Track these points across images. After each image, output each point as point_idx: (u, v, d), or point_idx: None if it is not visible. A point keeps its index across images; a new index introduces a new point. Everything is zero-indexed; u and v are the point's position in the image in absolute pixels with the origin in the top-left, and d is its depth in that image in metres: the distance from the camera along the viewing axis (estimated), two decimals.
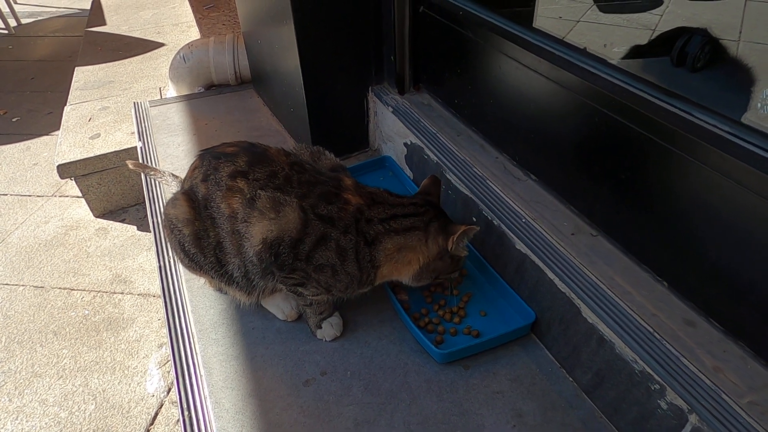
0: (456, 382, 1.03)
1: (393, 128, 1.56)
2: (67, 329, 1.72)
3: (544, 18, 1.76)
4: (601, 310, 0.92)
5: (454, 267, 1.08)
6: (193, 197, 1.04)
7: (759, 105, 1.39)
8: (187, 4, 3.44)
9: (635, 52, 1.69)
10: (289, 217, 0.96)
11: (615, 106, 0.96)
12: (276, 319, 1.17)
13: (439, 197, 1.13)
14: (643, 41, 1.79)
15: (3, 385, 1.55)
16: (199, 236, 1.03)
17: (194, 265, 1.09)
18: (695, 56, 1.47)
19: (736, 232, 0.81)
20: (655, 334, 0.87)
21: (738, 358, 0.83)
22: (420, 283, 1.08)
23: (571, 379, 1.03)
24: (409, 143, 1.49)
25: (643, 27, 1.94)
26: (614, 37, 1.93)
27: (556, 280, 1.00)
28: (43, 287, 1.89)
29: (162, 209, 1.49)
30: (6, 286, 1.90)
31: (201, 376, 1.06)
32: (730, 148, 0.80)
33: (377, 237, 1.01)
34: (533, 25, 1.63)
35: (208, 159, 1.05)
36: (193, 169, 1.08)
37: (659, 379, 0.82)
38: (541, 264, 1.04)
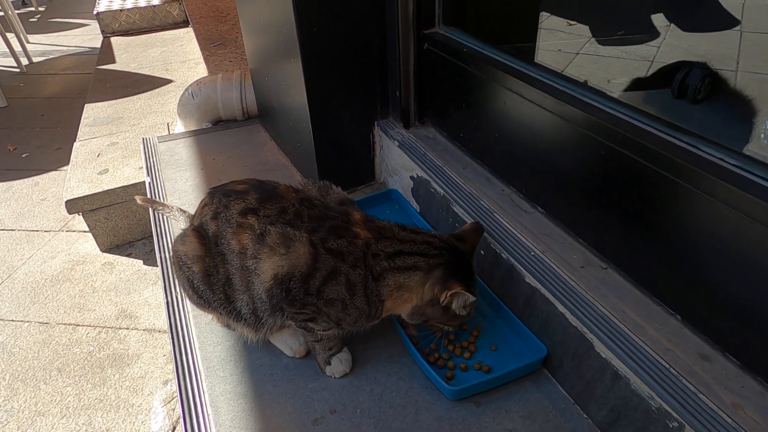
0: (467, 419, 1.01)
1: (399, 162, 1.58)
2: (72, 366, 1.71)
3: (544, 51, 1.80)
4: (614, 344, 0.91)
5: (448, 320, 1.03)
6: (203, 234, 1.05)
7: (762, 136, 1.40)
8: (195, 41, 3.53)
9: (636, 84, 1.72)
10: (299, 252, 0.97)
11: (620, 139, 0.97)
12: (284, 356, 1.15)
13: (474, 247, 1.08)
14: (643, 73, 1.83)
15: (6, 425, 1.52)
16: (208, 273, 1.04)
17: (202, 301, 1.08)
18: (696, 88, 1.49)
19: (748, 264, 0.81)
20: (671, 370, 0.86)
21: (757, 394, 0.81)
22: (413, 321, 1.06)
23: (585, 415, 1.01)
24: (415, 176, 1.50)
25: (641, 59, 1.98)
26: (613, 69, 1.97)
27: (567, 314, 1.00)
28: (48, 323, 1.88)
29: (170, 244, 1.50)
30: (11, 323, 1.89)
31: (209, 415, 1.05)
32: (736, 181, 0.80)
33: (382, 273, 0.99)
34: (535, 60, 1.67)
35: (218, 197, 1.06)
36: (203, 206, 1.09)
37: (677, 417, 0.80)
38: (551, 297, 1.03)
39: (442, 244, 1.02)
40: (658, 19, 1.99)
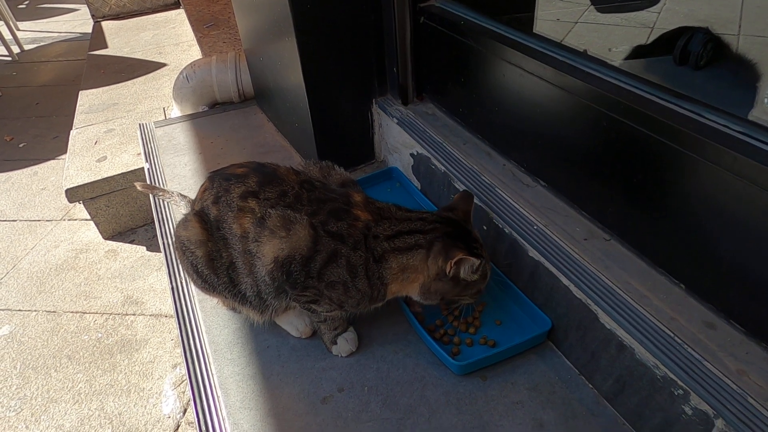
0: (474, 393, 1.02)
1: (398, 139, 1.56)
2: (81, 353, 1.72)
3: (543, 21, 1.76)
4: (618, 315, 0.91)
5: (461, 291, 1.01)
6: (204, 218, 1.04)
7: (766, 100, 1.38)
8: (187, 23, 3.48)
9: (637, 52, 1.69)
10: (299, 234, 0.96)
11: (622, 109, 0.96)
12: (290, 337, 1.16)
13: (468, 213, 1.06)
14: (643, 40, 1.79)
15: (20, 412, 1.55)
16: (211, 257, 1.04)
17: (207, 285, 1.09)
18: (698, 54, 1.47)
19: (752, 232, 0.81)
20: (676, 338, 0.86)
21: (762, 360, 0.81)
22: (427, 302, 1.05)
23: (591, 386, 1.02)
24: (415, 154, 1.49)
25: (641, 25, 1.94)
26: (614, 38, 1.94)
27: (572, 287, 1.00)
28: (55, 312, 1.90)
29: (172, 230, 1.49)
30: (19, 312, 1.91)
31: (218, 397, 1.06)
32: (741, 148, 0.79)
33: (384, 255, 0.98)
34: (534, 31, 1.64)
35: (219, 181, 1.05)
36: (204, 190, 1.08)
37: (682, 384, 0.81)
38: (555, 271, 1.03)
39: (434, 218, 1.02)
40: None
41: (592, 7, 2.07)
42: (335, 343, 1.11)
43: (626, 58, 1.67)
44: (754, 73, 1.47)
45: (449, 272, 0.96)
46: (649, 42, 1.72)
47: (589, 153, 1.08)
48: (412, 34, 1.48)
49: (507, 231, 1.14)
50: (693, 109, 0.88)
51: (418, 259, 0.98)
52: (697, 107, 0.88)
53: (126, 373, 1.64)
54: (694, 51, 1.47)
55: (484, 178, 1.28)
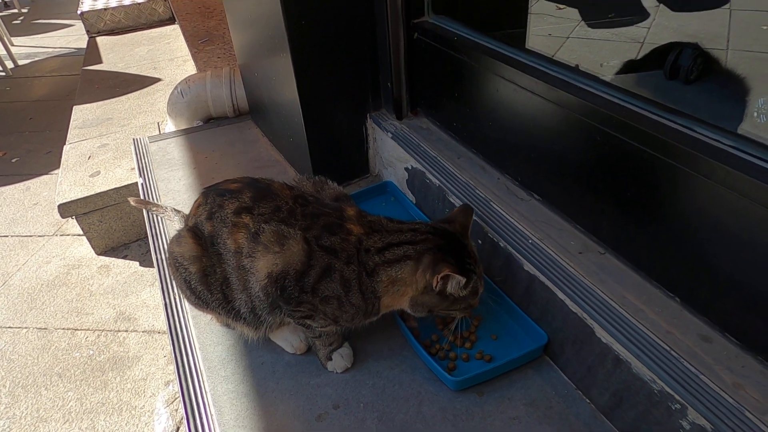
0: (471, 409, 1.01)
1: (393, 153, 1.57)
2: (72, 371, 1.70)
3: (535, 36, 1.78)
4: (614, 329, 0.91)
5: (449, 306, 1.00)
6: (198, 234, 1.04)
7: (755, 114, 1.40)
8: (182, 38, 3.49)
9: (628, 67, 1.72)
10: (293, 249, 0.96)
11: (614, 123, 0.97)
12: (285, 353, 1.15)
13: (466, 227, 1.04)
14: (634, 55, 1.82)
15: None
16: (205, 273, 1.03)
17: (201, 302, 1.08)
18: (688, 69, 1.49)
19: (746, 245, 0.81)
20: (672, 352, 0.86)
21: (758, 373, 0.81)
22: (418, 315, 1.04)
23: (587, 400, 1.01)
24: (410, 168, 1.49)
25: (631, 40, 1.97)
26: (604, 52, 1.96)
27: (567, 301, 1.00)
28: (46, 329, 1.87)
29: (166, 245, 1.48)
30: (9, 330, 1.88)
31: (212, 415, 1.04)
32: (733, 162, 0.80)
33: (375, 268, 0.97)
34: (526, 46, 1.66)
35: (212, 196, 1.04)
36: (197, 206, 1.08)
37: (679, 399, 0.81)
38: (550, 285, 1.03)
39: (427, 229, 1.01)
40: (648, 0, 1.98)
41: (583, 22, 2.10)
42: (330, 359, 1.10)
43: (618, 73, 1.69)
44: (743, 87, 1.49)
45: (435, 287, 0.95)
46: (640, 57, 1.75)
47: (583, 167, 1.08)
48: (405, 49, 1.50)
49: (502, 245, 1.14)
50: (684, 123, 0.89)
51: (407, 272, 0.97)
52: (689, 122, 0.89)
53: (118, 390, 1.62)
54: (684, 66, 1.49)
55: (478, 192, 1.28)
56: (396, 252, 0.98)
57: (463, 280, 0.94)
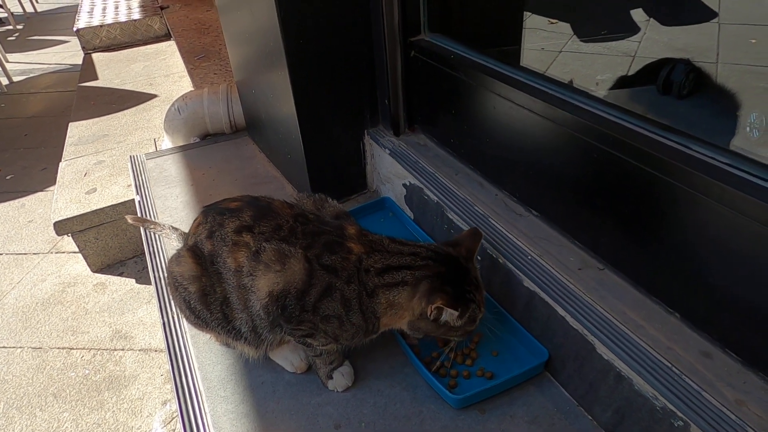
0: (473, 427, 1.01)
1: (391, 170, 1.57)
2: (68, 391, 1.68)
3: (529, 51, 1.81)
4: (615, 345, 0.92)
5: (446, 332, 1.00)
6: (198, 253, 1.04)
7: (747, 129, 1.42)
8: (178, 55, 3.51)
9: (621, 82, 1.74)
10: (294, 268, 0.96)
11: (610, 141, 0.98)
12: (285, 372, 1.14)
13: (471, 251, 1.02)
14: (626, 68, 1.85)
15: None
16: (205, 293, 1.02)
17: (200, 322, 1.07)
18: (681, 84, 1.51)
19: (744, 261, 0.82)
20: (673, 368, 0.86)
21: (759, 389, 0.82)
22: (416, 336, 1.04)
23: (590, 417, 1.01)
24: (408, 184, 1.50)
25: (623, 54, 2.00)
26: (597, 66, 1.99)
27: (567, 317, 1.00)
28: (41, 348, 1.85)
29: (163, 263, 1.48)
30: (3, 349, 1.86)
31: None
32: (728, 179, 0.81)
33: (374, 290, 0.97)
34: (521, 61, 1.68)
35: (212, 215, 1.04)
36: (197, 225, 1.08)
37: (682, 415, 0.81)
38: (550, 301, 1.03)
39: (428, 254, 1.00)
40: (638, 15, 2.02)
41: (574, 36, 2.13)
42: (331, 378, 1.09)
43: (611, 89, 1.71)
44: (735, 101, 1.51)
45: (430, 316, 0.95)
46: (632, 72, 1.77)
47: (580, 183, 1.09)
48: (402, 67, 1.51)
49: (501, 261, 1.15)
50: (679, 140, 0.90)
51: (403, 297, 0.97)
52: (683, 138, 0.90)
53: (114, 411, 1.60)
54: (676, 81, 1.51)
55: (477, 208, 1.29)
56: (395, 276, 0.97)
57: (456, 313, 0.94)
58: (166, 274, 1.12)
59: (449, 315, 0.95)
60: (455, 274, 0.99)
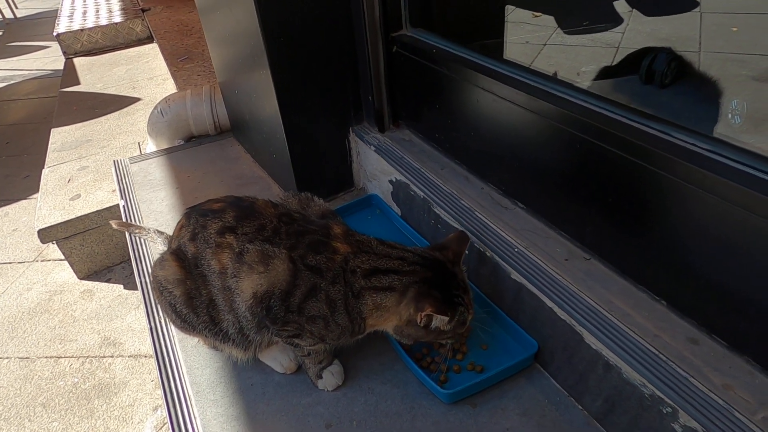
0: (465, 422, 1.01)
1: (377, 166, 1.57)
2: (57, 400, 1.66)
3: (512, 45, 1.81)
4: (603, 335, 0.92)
5: (436, 337, 0.99)
6: (182, 256, 1.02)
7: (729, 116, 1.43)
8: (161, 57, 3.48)
9: (604, 73, 1.74)
10: (278, 269, 0.95)
11: (593, 131, 0.98)
12: (275, 373, 1.13)
13: (459, 255, 1.02)
14: (610, 60, 1.85)
15: None
16: (190, 296, 1.01)
17: (186, 325, 1.06)
18: (663, 73, 1.52)
19: (728, 246, 0.82)
20: (661, 356, 0.86)
21: (746, 374, 0.82)
22: (404, 341, 1.03)
23: (580, 407, 1.01)
24: (394, 180, 1.49)
25: (607, 45, 2.01)
26: (581, 58, 1.99)
27: (555, 308, 1.00)
28: (28, 358, 1.83)
29: (149, 268, 1.46)
30: None
31: None
32: (710, 166, 0.81)
33: (361, 291, 0.96)
34: (504, 55, 1.67)
35: (195, 217, 1.03)
36: (180, 228, 1.07)
37: (670, 402, 0.81)
38: (538, 293, 1.03)
39: (416, 259, 0.99)
40: (621, 6, 2.02)
41: (559, 29, 2.13)
42: (321, 377, 1.08)
43: (595, 79, 1.71)
44: (716, 89, 1.52)
45: (420, 323, 0.94)
46: (615, 63, 1.78)
47: (564, 174, 1.09)
48: (385, 62, 1.51)
49: (488, 254, 1.15)
50: (661, 128, 0.90)
51: (391, 302, 0.96)
52: (665, 127, 0.90)
53: (104, 418, 1.58)
54: (658, 70, 1.51)
55: (463, 202, 1.29)
56: (382, 280, 0.96)
57: (446, 319, 0.93)
58: (151, 279, 1.10)
59: (439, 321, 0.94)
60: (442, 278, 0.98)
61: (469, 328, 1.16)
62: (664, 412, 0.82)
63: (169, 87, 3.16)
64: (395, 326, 0.99)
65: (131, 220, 1.73)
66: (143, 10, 4.31)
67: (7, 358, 1.83)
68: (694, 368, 0.84)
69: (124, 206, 1.80)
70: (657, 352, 0.87)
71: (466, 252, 1.04)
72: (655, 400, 0.83)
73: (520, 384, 1.07)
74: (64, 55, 4.04)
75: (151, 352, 1.37)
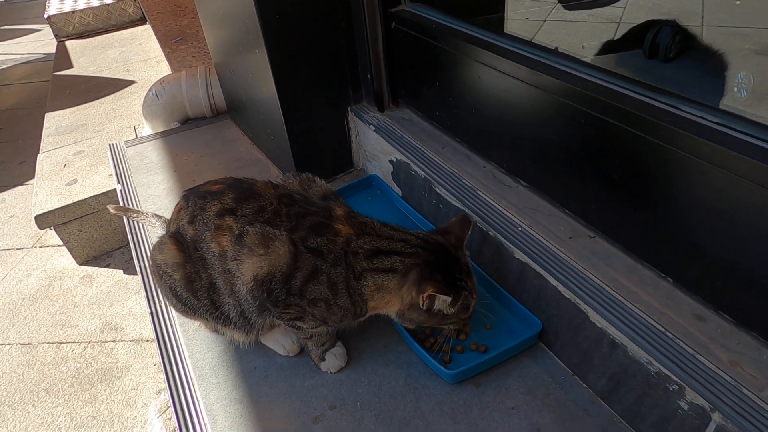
0: (469, 401, 1.00)
1: (377, 146, 1.54)
2: (60, 385, 1.66)
3: (513, 21, 1.77)
4: (608, 312, 0.91)
5: (439, 321, 0.98)
6: (180, 240, 1.01)
7: (735, 89, 1.40)
8: (155, 39, 3.41)
9: (608, 47, 1.71)
10: (279, 252, 0.93)
11: (598, 105, 0.96)
12: (277, 356, 1.13)
13: (461, 239, 1.00)
14: (611, 35, 1.82)
15: None
16: (190, 279, 1.00)
17: (187, 309, 1.05)
18: (667, 47, 1.49)
19: (736, 222, 0.81)
20: (667, 333, 0.85)
21: (753, 350, 0.81)
22: (407, 326, 1.02)
23: (585, 385, 1.01)
24: (394, 160, 1.47)
25: (608, 20, 1.97)
26: (582, 34, 1.96)
27: (560, 287, 0.99)
28: (30, 344, 1.83)
29: (148, 252, 1.45)
30: None
31: (205, 423, 1.02)
32: (719, 139, 0.79)
33: (362, 273, 0.94)
34: (505, 30, 1.64)
35: (194, 199, 1.01)
36: (179, 210, 1.05)
37: (677, 379, 0.80)
38: (542, 271, 1.02)
39: (418, 242, 0.97)
40: None
41: (559, 5, 2.09)
42: (324, 360, 1.08)
43: (598, 54, 1.68)
44: (721, 62, 1.49)
45: (422, 305, 0.93)
46: (618, 37, 1.74)
47: (568, 151, 1.07)
48: (384, 39, 1.47)
49: (492, 234, 1.13)
50: (667, 101, 0.88)
51: (392, 284, 0.95)
52: (672, 100, 0.88)
53: (108, 403, 1.58)
54: (662, 44, 1.48)
55: (465, 181, 1.27)
56: (384, 261, 0.95)
57: (449, 299, 0.92)
58: (150, 263, 1.09)
59: (442, 302, 0.93)
60: (445, 262, 0.96)
61: (472, 312, 1.15)
62: (671, 389, 0.82)
63: (164, 69, 3.10)
64: (398, 310, 0.97)
65: (129, 205, 1.71)
66: None
67: (8, 344, 1.83)
68: (701, 345, 0.83)
69: (121, 191, 1.78)
70: (663, 330, 0.86)
71: (469, 234, 1.03)
72: (662, 377, 0.83)
73: (525, 363, 1.06)
74: (56, 38, 3.97)
75: (152, 336, 1.37)
